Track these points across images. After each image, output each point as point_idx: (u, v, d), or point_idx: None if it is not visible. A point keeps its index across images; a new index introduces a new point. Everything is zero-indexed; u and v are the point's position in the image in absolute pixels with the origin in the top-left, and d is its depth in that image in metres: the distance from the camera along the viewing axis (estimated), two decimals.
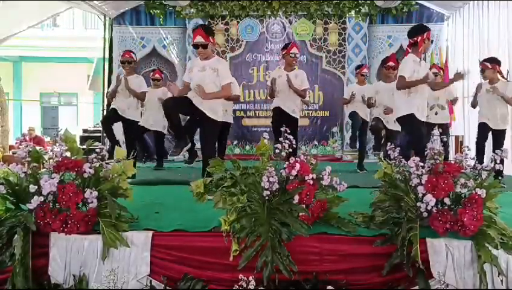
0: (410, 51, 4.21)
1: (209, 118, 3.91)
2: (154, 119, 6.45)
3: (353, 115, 6.20)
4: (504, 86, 5.28)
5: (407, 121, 4.24)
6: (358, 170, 6.28)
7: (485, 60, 5.45)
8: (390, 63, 5.58)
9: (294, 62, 5.41)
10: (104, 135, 5.92)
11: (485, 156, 5.25)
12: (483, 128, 5.37)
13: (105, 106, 8.02)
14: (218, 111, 4.00)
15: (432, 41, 4.26)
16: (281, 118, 5.28)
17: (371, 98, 5.81)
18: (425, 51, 4.36)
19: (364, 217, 2.78)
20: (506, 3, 6.16)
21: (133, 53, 5.84)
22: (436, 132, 6.53)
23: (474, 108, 5.57)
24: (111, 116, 5.58)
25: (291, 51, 5.34)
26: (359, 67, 6.54)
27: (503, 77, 5.38)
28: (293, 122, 5.28)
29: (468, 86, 6.89)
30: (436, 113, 6.31)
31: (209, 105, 3.91)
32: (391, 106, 5.17)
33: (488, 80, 5.36)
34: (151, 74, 6.81)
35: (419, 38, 4.12)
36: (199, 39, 3.87)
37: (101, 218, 2.53)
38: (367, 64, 7.67)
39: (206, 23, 8.23)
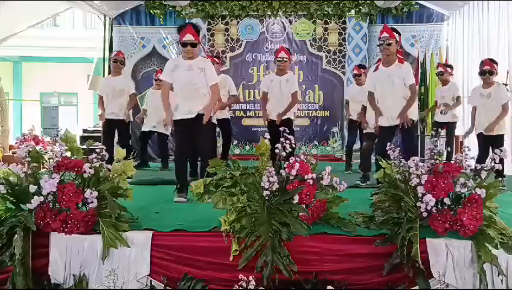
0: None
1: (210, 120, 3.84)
2: (158, 121, 6.37)
3: (352, 126, 6.17)
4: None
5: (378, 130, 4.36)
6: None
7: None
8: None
9: (283, 66, 5.37)
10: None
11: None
12: None
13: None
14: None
15: (399, 39, 4.16)
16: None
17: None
18: (385, 54, 4.17)
19: (364, 217, 2.79)
20: (506, 3, 6.14)
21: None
22: (443, 132, 6.40)
23: None
24: (108, 129, 5.71)
25: (278, 56, 5.34)
26: (363, 67, 6.34)
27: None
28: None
29: (468, 86, 6.89)
30: (441, 112, 6.24)
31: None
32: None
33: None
34: (155, 73, 6.57)
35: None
36: (189, 37, 3.74)
37: (101, 218, 2.54)
38: (367, 64, 7.66)
39: (206, 23, 8.23)
